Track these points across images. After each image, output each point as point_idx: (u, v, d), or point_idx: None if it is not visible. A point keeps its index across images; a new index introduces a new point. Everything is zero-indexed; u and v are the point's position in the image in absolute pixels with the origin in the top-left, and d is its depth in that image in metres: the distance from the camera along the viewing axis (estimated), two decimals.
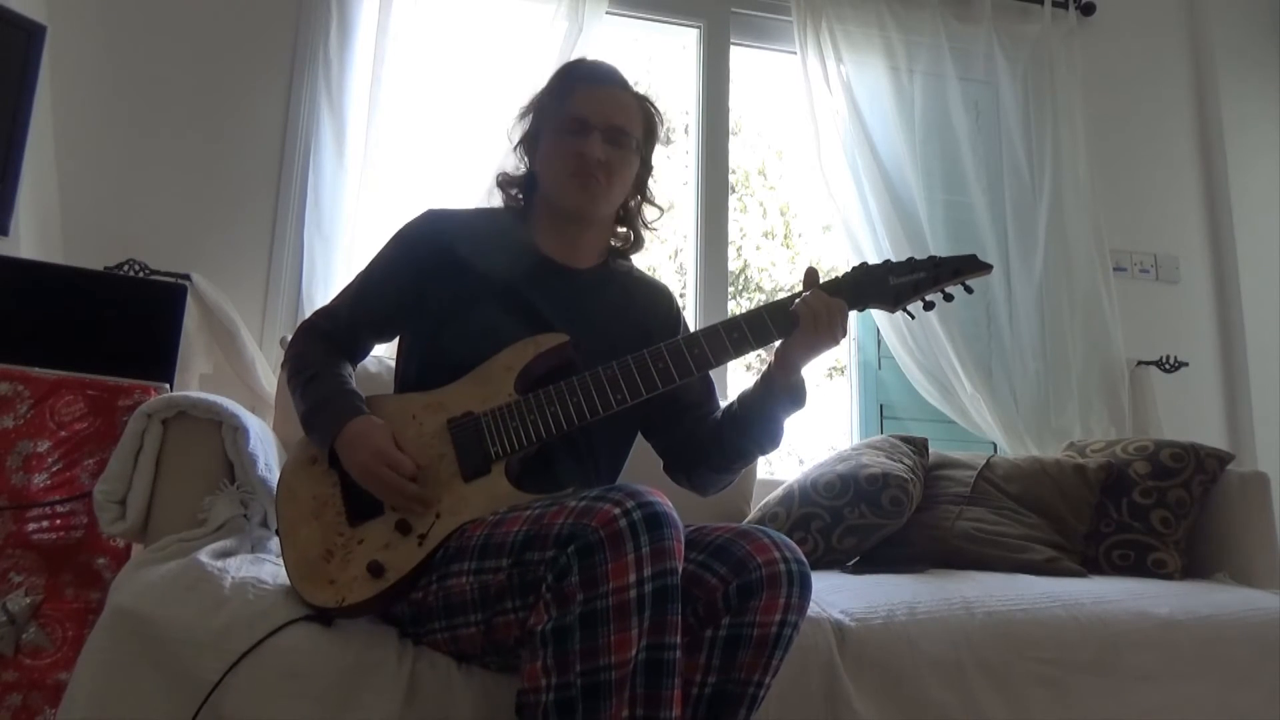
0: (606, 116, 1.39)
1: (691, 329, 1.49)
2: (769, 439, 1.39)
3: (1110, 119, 3.05)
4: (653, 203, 1.53)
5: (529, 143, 1.47)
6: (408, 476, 1.23)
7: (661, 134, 1.48)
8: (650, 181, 1.52)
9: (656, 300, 1.53)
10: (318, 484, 1.30)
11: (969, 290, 1.37)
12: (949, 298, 1.37)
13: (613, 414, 1.29)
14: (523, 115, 1.48)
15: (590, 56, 1.59)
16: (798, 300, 1.31)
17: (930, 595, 1.56)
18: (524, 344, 1.33)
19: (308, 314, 2.23)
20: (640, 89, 1.48)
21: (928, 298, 1.35)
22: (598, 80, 1.43)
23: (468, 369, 1.34)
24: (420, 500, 1.23)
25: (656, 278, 1.60)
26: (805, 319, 1.29)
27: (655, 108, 1.47)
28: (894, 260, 1.38)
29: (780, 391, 1.34)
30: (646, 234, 1.53)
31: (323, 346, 1.41)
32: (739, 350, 1.31)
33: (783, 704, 1.30)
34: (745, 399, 1.39)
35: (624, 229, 1.52)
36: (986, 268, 1.35)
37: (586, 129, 1.37)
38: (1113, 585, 1.77)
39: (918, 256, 1.37)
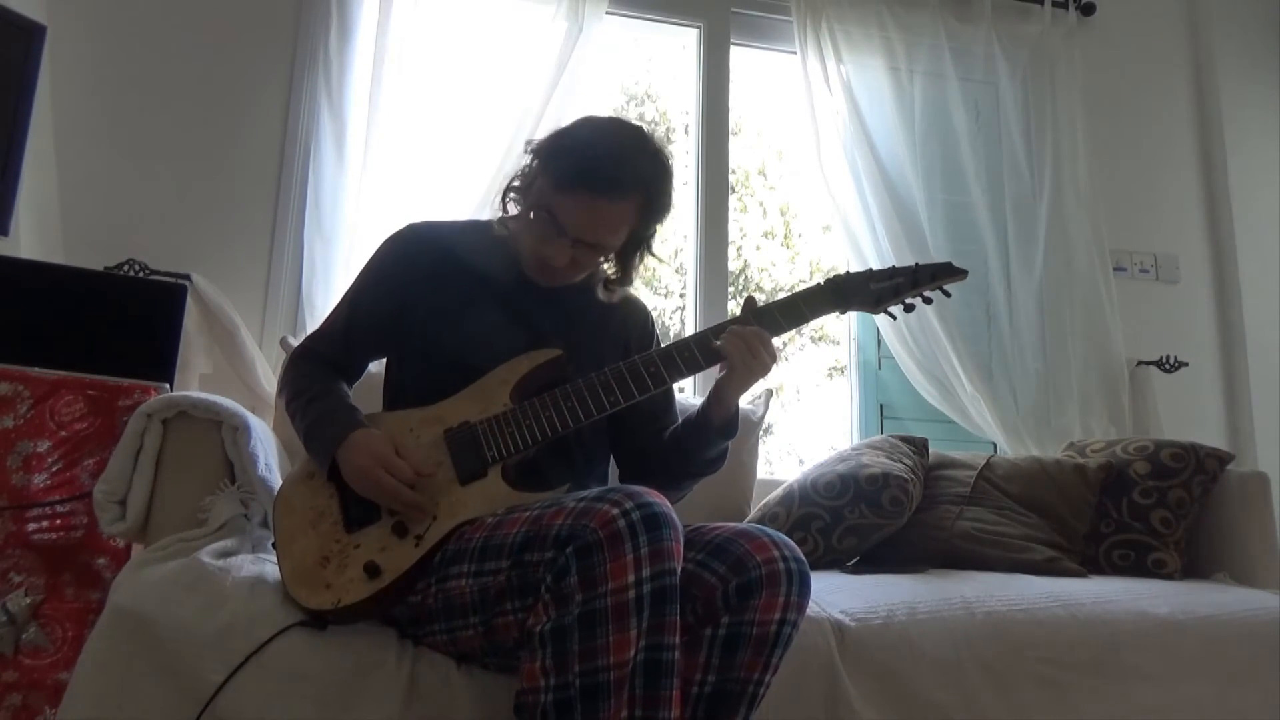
0: (584, 232, 1.30)
1: (689, 329, 1.50)
2: (709, 464, 1.42)
3: (1110, 119, 3.05)
4: (655, 256, 1.46)
5: (528, 175, 1.37)
6: (406, 482, 1.23)
7: (668, 204, 1.38)
8: (655, 241, 1.44)
9: (635, 316, 1.53)
10: (315, 497, 1.30)
11: (947, 294, 1.47)
12: (928, 300, 1.46)
13: (604, 416, 1.30)
14: (542, 142, 1.37)
15: (602, 116, 1.33)
16: (722, 337, 1.32)
17: (930, 595, 1.56)
18: (519, 359, 1.35)
19: (307, 314, 2.25)
20: (655, 139, 1.36)
21: (907, 300, 1.43)
22: (596, 190, 1.29)
23: (463, 378, 1.34)
24: (417, 506, 1.23)
25: (635, 294, 1.58)
26: (731, 356, 1.30)
27: (662, 189, 1.36)
28: (875, 268, 1.45)
29: (717, 424, 1.37)
30: (641, 273, 1.47)
31: (318, 368, 1.41)
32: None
33: (782, 704, 1.29)
34: (688, 423, 1.41)
35: (612, 266, 1.46)
36: (961, 274, 1.45)
37: (561, 232, 1.30)
38: (1113, 585, 1.77)
39: (908, 261, 1.45)
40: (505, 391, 1.32)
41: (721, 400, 1.35)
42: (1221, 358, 3.00)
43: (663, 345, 1.38)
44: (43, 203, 2.14)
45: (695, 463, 1.41)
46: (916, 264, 1.45)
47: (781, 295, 1.42)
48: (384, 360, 1.50)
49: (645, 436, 1.46)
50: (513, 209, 1.43)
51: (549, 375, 1.35)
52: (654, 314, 1.59)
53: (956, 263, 1.47)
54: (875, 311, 1.43)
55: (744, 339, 1.30)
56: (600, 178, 1.29)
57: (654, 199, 1.35)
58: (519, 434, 1.28)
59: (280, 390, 1.42)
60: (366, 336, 1.44)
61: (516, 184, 1.40)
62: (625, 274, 1.47)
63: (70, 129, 2.25)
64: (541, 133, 1.48)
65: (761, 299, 1.39)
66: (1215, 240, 3.08)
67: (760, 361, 1.30)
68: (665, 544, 1.03)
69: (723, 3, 2.84)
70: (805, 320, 1.39)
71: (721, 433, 1.38)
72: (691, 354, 1.33)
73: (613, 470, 1.54)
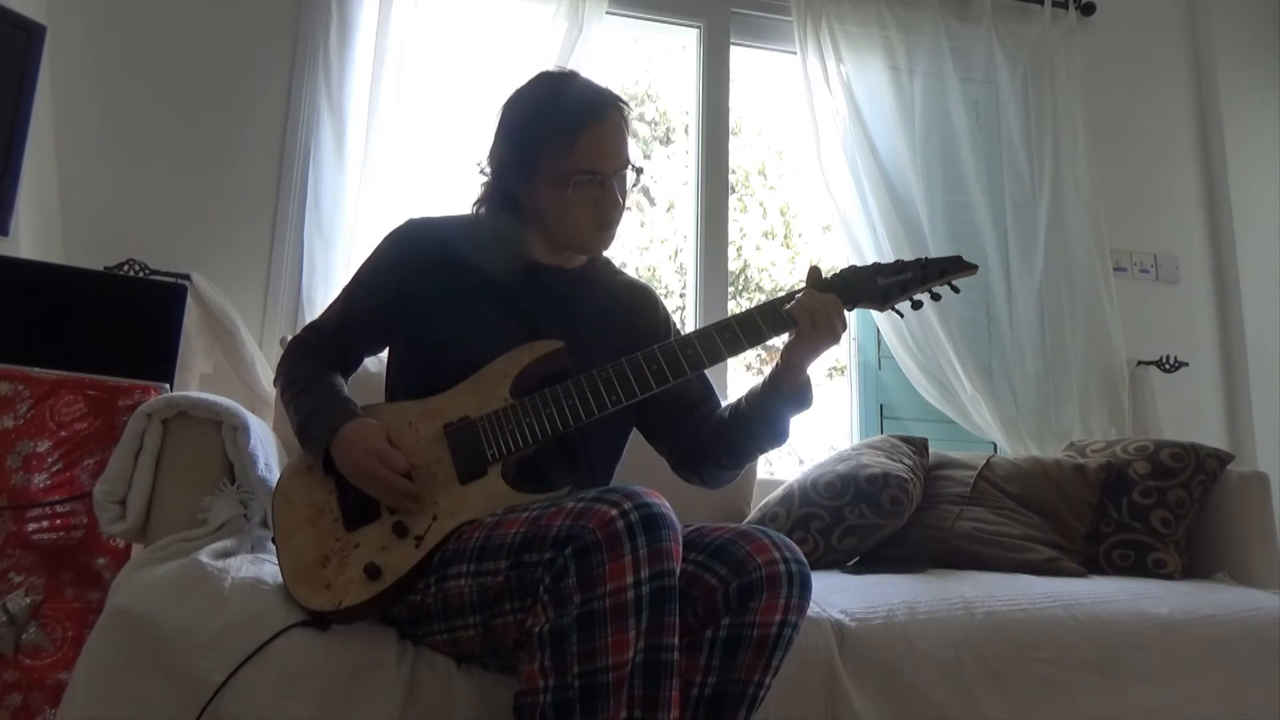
0: (618, 161, 1.36)
1: (689, 329, 1.48)
2: (774, 438, 1.39)
3: (1110, 119, 3.05)
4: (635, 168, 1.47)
5: (518, 169, 1.39)
6: (401, 473, 1.23)
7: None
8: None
9: (643, 303, 1.52)
10: (314, 491, 1.30)
11: (955, 290, 1.40)
12: (936, 297, 1.40)
13: (607, 416, 1.29)
14: (507, 138, 1.42)
15: (563, 66, 1.48)
16: (793, 301, 1.31)
17: (930, 595, 1.56)
18: (519, 351, 1.34)
19: (307, 314, 2.25)
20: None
21: (915, 297, 1.38)
22: (604, 113, 1.34)
23: (462, 372, 1.34)
24: (413, 497, 1.23)
25: (642, 279, 1.59)
26: (803, 320, 1.29)
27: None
28: (882, 262, 1.40)
29: (787, 393, 1.34)
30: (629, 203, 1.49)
31: (313, 360, 1.41)
32: (732, 350, 1.32)
33: (783, 704, 1.29)
34: (752, 399, 1.38)
35: None
36: (972, 268, 1.39)
37: (603, 180, 1.35)
38: (1113, 585, 1.77)
39: (908, 258, 1.40)
40: (505, 385, 1.31)
41: (790, 367, 1.32)
42: (1221, 358, 3.00)
43: (669, 341, 1.34)
44: (43, 203, 2.14)
45: (757, 436, 1.38)
46: (925, 258, 1.40)
47: (785, 291, 1.40)
48: (385, 355, 1.50)
49: (694, 424, 1.44)
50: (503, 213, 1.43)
51: (549, 368, 1.34)
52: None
53: None
54: (882, 309, 1.39)
55: (818, 300, 1.28)
56: (596, 104, 1.35)
57: (624, 104, 1.40)
58: (519, 431, 1.27)
59: (276, 380, 1.42)
60: (362, 330, 1.44)
61: (497, 196, 1.43)
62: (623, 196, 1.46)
63: (70, 129, 2.25)
64: None
65: (761, 299, 1.38)
66: (1215, 240, 3.08)
67: (831, 328, 1.28)
68: (664, 545, 1.03)
69: (723, 3, 2.84)
70: None
71: (795, 400, 1.34)
72: (696, 350, 1.30)
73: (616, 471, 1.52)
